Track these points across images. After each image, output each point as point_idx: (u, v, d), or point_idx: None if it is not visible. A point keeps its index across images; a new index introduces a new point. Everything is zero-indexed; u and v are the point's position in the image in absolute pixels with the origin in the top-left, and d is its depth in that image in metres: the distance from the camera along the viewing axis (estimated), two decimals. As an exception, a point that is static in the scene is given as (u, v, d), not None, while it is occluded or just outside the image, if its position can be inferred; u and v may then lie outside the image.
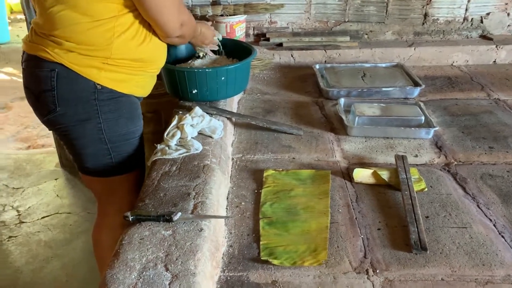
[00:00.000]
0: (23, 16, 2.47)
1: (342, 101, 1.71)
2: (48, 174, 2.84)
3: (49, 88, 1.21)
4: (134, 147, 1.37)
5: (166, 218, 0.97)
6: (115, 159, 1.33)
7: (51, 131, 1.73)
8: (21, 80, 1.33)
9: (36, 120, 1.51)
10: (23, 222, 2.41)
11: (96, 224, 1.52)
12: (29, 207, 2.53)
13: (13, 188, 2.71)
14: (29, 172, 2.88)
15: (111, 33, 1.19)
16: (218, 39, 1.68)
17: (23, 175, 2.85)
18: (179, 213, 0.99)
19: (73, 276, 2.05)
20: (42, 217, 2.44)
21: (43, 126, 1.35)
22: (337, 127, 1.61)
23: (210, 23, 1.67)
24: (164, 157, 1.25)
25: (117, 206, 1.36)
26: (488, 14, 2.32)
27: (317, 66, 2.05)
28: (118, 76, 1.25)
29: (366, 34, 2.35)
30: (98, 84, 1.22)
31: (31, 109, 1.32)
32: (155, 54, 1.33)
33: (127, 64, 1.25)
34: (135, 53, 1.25)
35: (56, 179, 2.79)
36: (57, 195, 2.64)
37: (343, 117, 1.59)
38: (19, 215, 2.47)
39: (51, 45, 1.19)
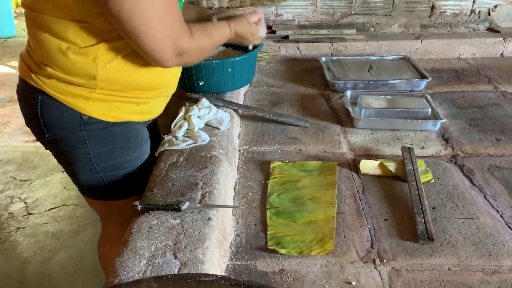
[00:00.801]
0: (29, 9, 2.48)
1: (348, 93, 1.70)
2: (55, 167, 2.85)
3: (35, 115, 1.12)
4: (132, 174, 1.25)
5: (174, 207, 0.98)
6: (110, 187, 1.24)
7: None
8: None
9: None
10: (31, 213, 2.43)
11: (100, 237, 1.51)
12: (36, 199, 2.56)
13: (21, 180, 2.74)
14: (36, 164, 2.90)
15: (94, 64, 1.02)
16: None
17: (30, 167, 2.87)
18: (187, 203, 0.99)
19: (81, 266, 2.07)
20: (50, 209, 2.46)
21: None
22: (343, 119, 1.61)
23: (247, 9, 1.39)
24: (172, 147, 1.26)
25: (118, 222, 1.31)
26: (495, 6, 2.30)
27: (324, 59, 2.04)
28: (109, 105, 1.11)
29: (373, 26, 2.34)
30: (84, 114, 1.09)
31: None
32: (161, 80, 1.16)
33: (120, 94, 1.10)
34: (129, 83, 1.09)
35: (63, 171, 2.76)
36: (64, 187, 2.66)
37: (350, 109, 1.59)
38: (27, 206, 2.49)
39: (34, 69, 1.09)
